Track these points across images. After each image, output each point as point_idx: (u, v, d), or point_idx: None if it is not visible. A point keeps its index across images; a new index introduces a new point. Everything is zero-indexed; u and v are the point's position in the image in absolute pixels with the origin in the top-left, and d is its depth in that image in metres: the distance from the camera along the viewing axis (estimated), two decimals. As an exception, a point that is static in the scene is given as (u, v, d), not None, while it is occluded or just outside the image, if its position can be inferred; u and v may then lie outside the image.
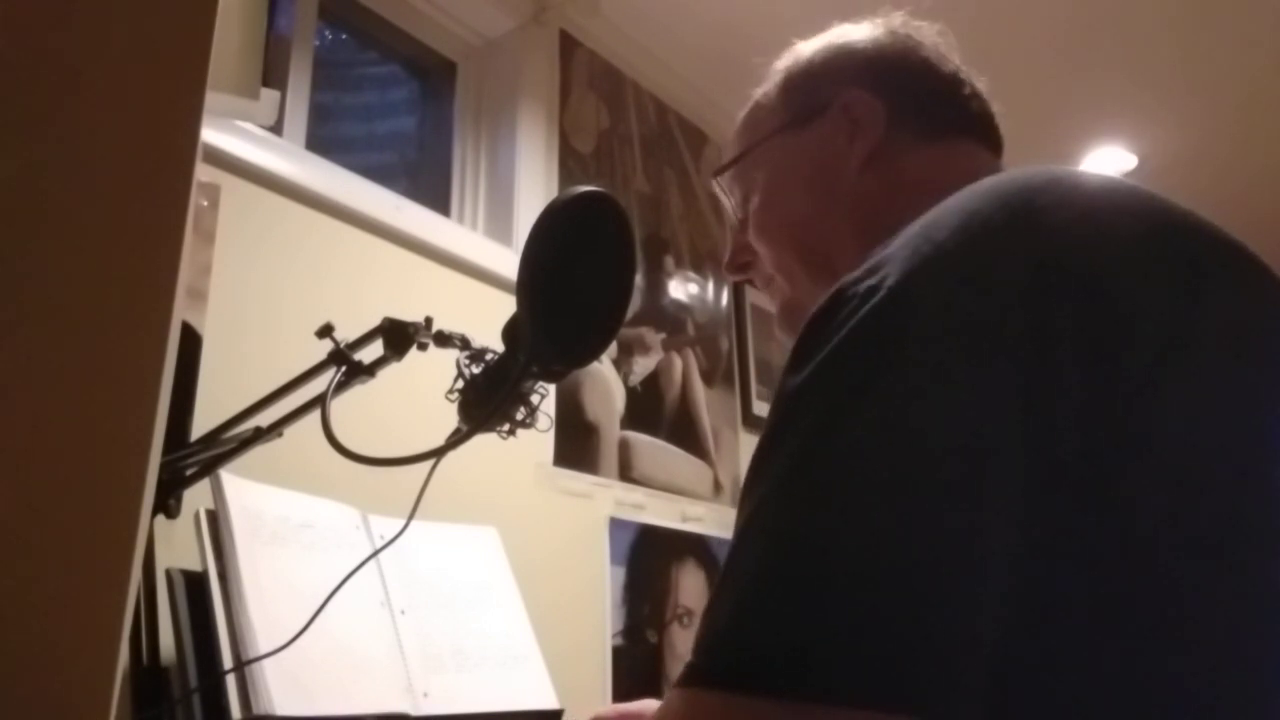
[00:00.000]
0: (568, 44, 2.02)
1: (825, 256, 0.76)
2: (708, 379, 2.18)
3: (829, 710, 0.40)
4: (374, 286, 1.46)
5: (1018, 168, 0.58)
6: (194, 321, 1.17)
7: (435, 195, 1.83)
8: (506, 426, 0.77)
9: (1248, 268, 0.56)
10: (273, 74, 1.17)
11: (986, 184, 0.54)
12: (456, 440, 0.75)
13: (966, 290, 0.47)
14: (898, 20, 0.81)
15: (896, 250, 0.50)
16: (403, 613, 1.04)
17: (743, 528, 0.46)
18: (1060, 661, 0.43)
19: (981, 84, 0.79)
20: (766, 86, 0.83)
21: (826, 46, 0.81)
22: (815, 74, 0.80)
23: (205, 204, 1.22)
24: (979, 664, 0.41)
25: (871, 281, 0.48)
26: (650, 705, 0.91)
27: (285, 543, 0.97)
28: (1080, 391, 0.45)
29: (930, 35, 0.80)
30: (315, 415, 0.78)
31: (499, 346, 0.77)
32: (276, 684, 0.85)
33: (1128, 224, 0.52)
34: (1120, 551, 0.44)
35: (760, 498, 0.46)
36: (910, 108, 0.75)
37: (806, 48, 0.82)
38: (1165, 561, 0.45)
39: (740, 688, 0.42)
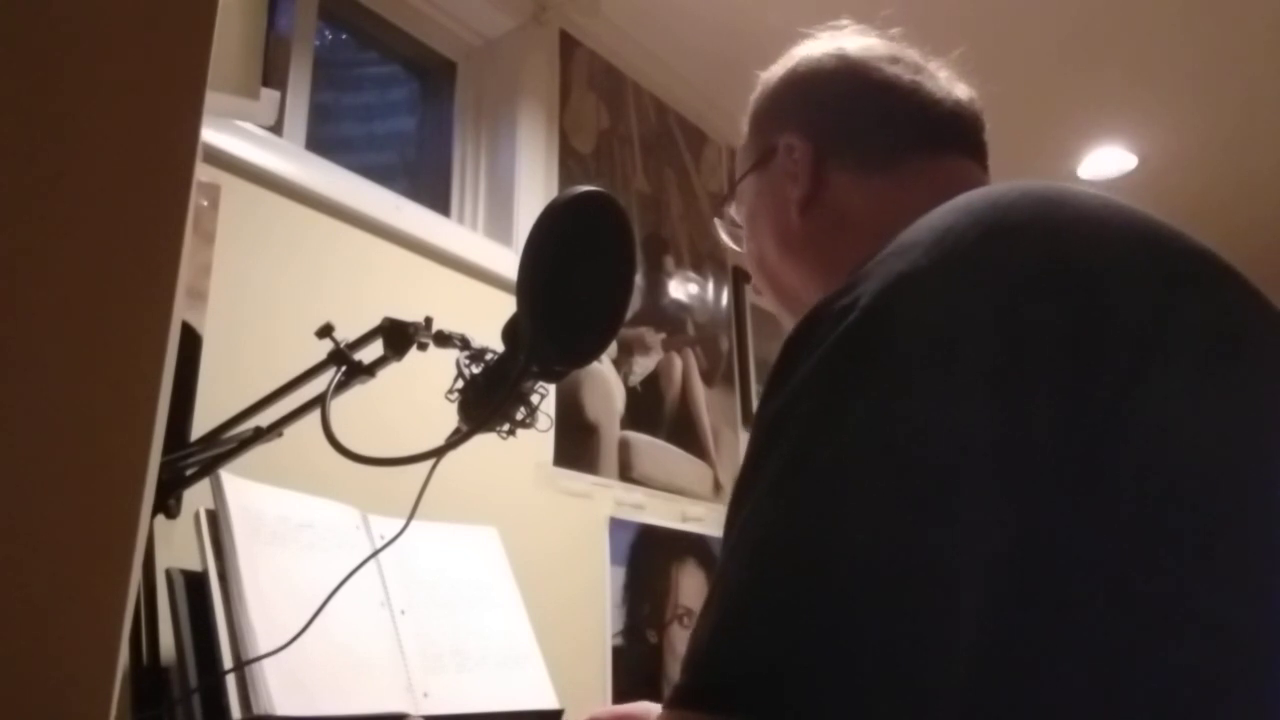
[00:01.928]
0: (568, 44, 2.02)
1: (795, 293, 0.78)
2: (708, 379, 2.18)
3: None
4: (374, 286, 1.46)
5: (991, 185, 0.58)
6: (194, 321, 1.17)
7: (435, 195, 1.83)
8: (506, 426, 0.77)
9: (1225, 273, 0.56)
10: (273, 74, 1.17)
11: (960, 200, 0.54)
12: (456, 440, 0.75)
13: (940, 305, 0.47)
14: (848, 33, 0.80)
15: (872, 269, 0.50)
16: (403, 613, 1.04)
17: (728, 549, 0.46)
18: (1044, 668, 0.43)
19: (945, 76, 0.76)
20: (745, 122, 0.84)
21: (776, 80, 0.81)
22: (766, 113, 0.81)
23: (205, 204, 1.22)
24: (955, 686, 0.41)
25: (846, 301, 0.48)
26: (647, 707, 0.91)
27: (285, 543, 0.97)
28: (1059, 398, 0.45)
29: (879, 47, 0.78)
30: (315, 415, 0.78)
31: (499, 346, 0.77)
32: (276, 684, 0.85)
33: (1104, 232, 0.52)
34: (1107, 552, 0.44)
35: (744, 520, 0.46)
36: (844, 142, 0.74)
37: (766, 78, 0.82)
38: (1153, 560, 0.45)
39: (719, 708, 0.42)
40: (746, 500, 0.47)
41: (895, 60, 0.76)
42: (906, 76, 0.75)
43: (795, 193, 0.75)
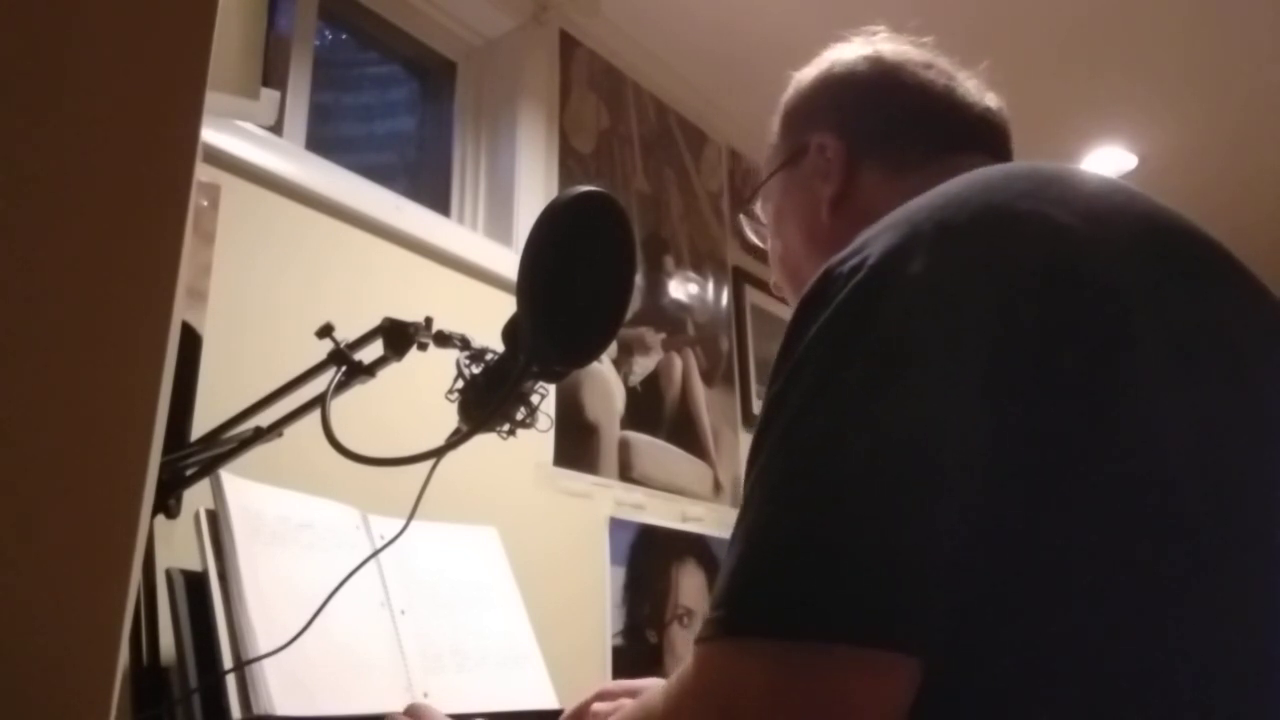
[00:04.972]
0: (568, 44, 2.02)
1: None
2: (708, 379, 2.18)
3: (822, 646, 0.43)
4: (374, 286, 1.46)
5: (1005, 163, 0.60)
6: (194, 321, 1.17)
7: (435, 195, 1.83)
8: (506, 426, 0.77)
9: (1229, 270, 0.56)
10: (273, 74, 1.17)
11: (974, 173, 0.56)
12: (456, 440, 0.75)
13: (941, 270, 0.49)
14: (881, 39, 0.81)
15: (880, 231, 0.52)
16: (403, 613, 1.04)
17: (747, 492, 0.50)
18: (1031, 651, 0.45)
19: (975, 85, 0.78)
20: (775, 122, 0.85)
21: (811, 81, 0.82)
22: (799, 113, 0.82)
23: (205, 204, 1.22)
24: (953, 605, 0.44)
25: (854, 261, 0.51)
26: (658, 683, 0.91)
27: (285, 543, 0.97)
28: (1053, 369, 0.46)
29: (912, 53, 0.79)
30: (315, 415, 0.78)
31: (499, 346, 0.77)
32: (276, 684, 0.85)
33: (1107, 213, 0.54)
34: (1095, 547, 0.45)
35: (757, 474, 0.49)
36: (876, 144, 0.76)
37: (800, 79, 0.84)
38: (1141, 557, 0.46)
39: (746, 633, 0.46)
40: (759, 455, 0.50)
41: (929, 66, 0.78)
42: (940, 81, 0.77)
43: (827, 191, 0.77)
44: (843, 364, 0.48)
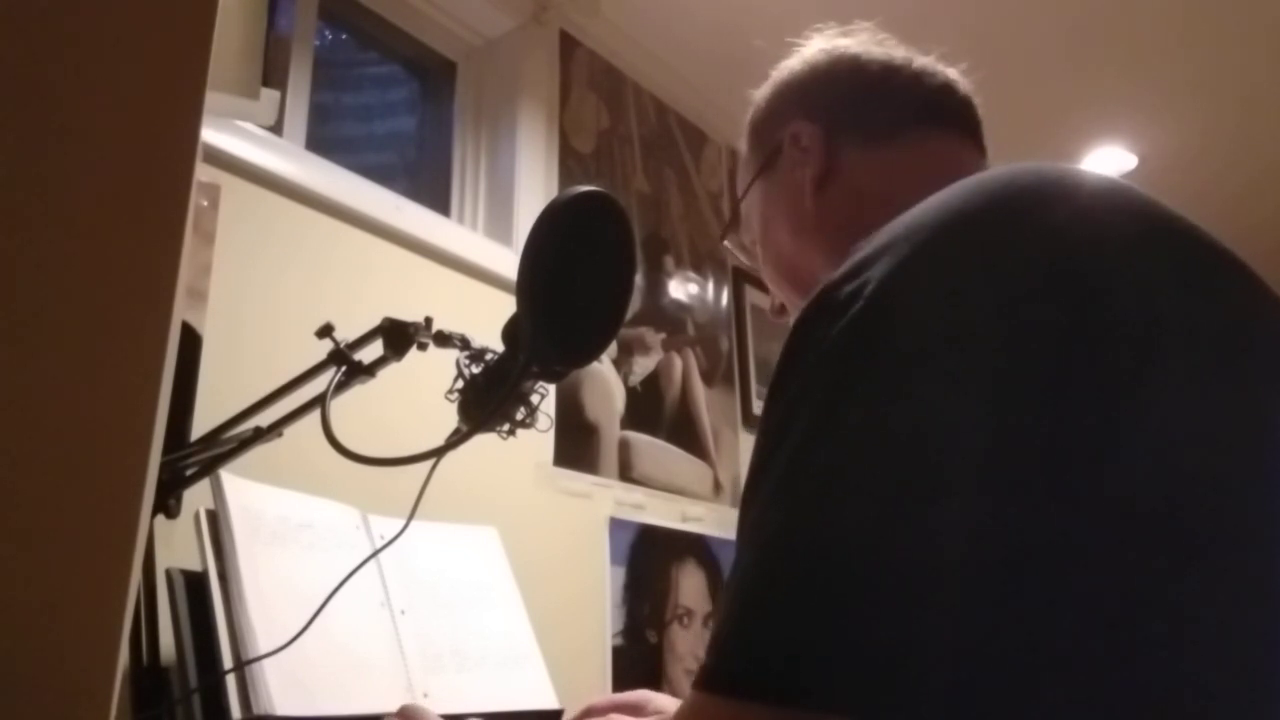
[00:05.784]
0: (568, 44, 2.02)
1: (815, 281, 0.78)
2: (708, 379, 2.18)
3: (813, 715, 0.42)
4: (374, 286, 1.46)
5: (1004, 165, 0.58)
6: (194, 321, 1.17)
7: (435, 195, 1.83)
8: (506, 426, 0.77)
9: (1235, 271, 0.56)
10: (273, 74, 1.17)
11: (972, 181, 0.54)
12: (456, 440, 0.75)
13: (946, 296, 0.47)
14: (831, 34, 0.83)
15: (878, 250, 0.50)
16: (403, 613, 1.04)
17: (742, 541, 0.48)
18: (1036, 667, 0.44)
19: (935, 62, 0.79)
20: (743, 143, 0.87)
21: (770, 88, 0.84)
22: (765, 118, 0.83)
23: (205, 204, 1.22)
24: (949, 676, 0.42)
25: (852, 287, 0.49)
26: (646, 695, 0.91)
27: (285, 543, 0.97)
28: (1059, 400, 0.45)
29: (862, 38, 0.81)
30: (315, 415, 0.78)
31: (499, 346, 0.77)
32: (276, 684, 0.85)
33: (1116, 222, 0.52)
34: (1101, 556, 0.44)
35: (755, 515, 0.48)
36: (849, 119, 0.77)
37: (758, 94, 0.85)
38: (1149, 563, 0.45)
39: (746, 696, 0.44)
40: (757, 496, 0.48)
41: (883, 46, 0.80)
42: (898, 54, 0.79)
43: (809, 174, 0.76)
44: (846, 398, 0.46)
